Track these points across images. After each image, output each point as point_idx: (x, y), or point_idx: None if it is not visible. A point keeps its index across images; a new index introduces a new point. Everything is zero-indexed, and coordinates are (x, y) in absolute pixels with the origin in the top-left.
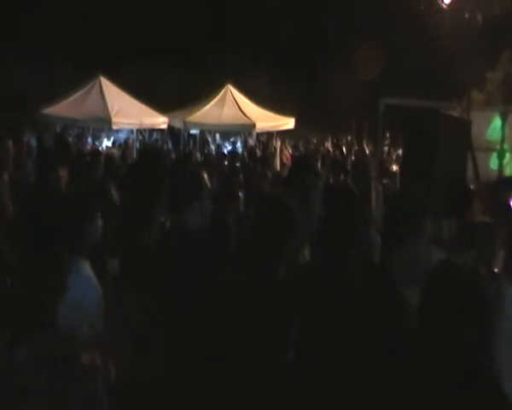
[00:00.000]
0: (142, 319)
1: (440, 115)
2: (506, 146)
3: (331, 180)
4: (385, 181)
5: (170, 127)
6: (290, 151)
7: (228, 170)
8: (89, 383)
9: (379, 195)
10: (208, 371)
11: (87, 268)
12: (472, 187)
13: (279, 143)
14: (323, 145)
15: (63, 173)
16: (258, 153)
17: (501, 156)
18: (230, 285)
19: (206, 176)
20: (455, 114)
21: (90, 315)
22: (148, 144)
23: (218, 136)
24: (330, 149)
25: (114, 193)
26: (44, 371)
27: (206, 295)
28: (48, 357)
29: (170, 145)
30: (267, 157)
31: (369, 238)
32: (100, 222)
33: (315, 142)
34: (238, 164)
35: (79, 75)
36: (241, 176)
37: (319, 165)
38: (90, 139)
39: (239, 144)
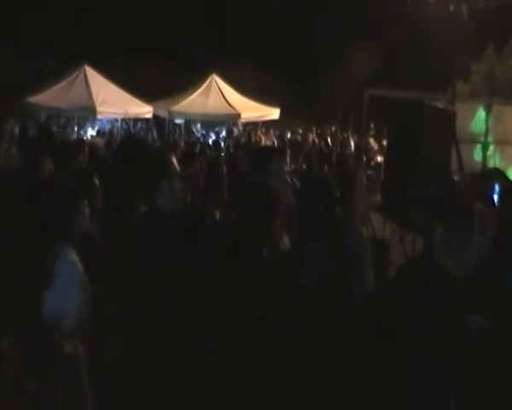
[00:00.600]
0: (127, 305)
1: (425, 107)
2: (490, 138)
3: (316, 171)
4: (369, 172)
5: (155, 117)
6: (274, 141)
7: (212, 158)
8: (72, 373)
9: (362, 187)
10: (193, 356)
11: (74, 256)
12: (456, 179)
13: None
14: (308, 136)
15: (48, 162)
16: (244, 142)
17: (485, 148)
18: (216, 272)
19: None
20: (439, 105)
21: (75, 303)
22: (131, 133)
23: (198, 126)
24: (315, 140)
25: (97, 181)
26: (29, 360)
27: (185, 280)
28: (32, 346)
29: (155, 135)
30: (252, 146)
31: (353, 233)
32: (87, 210)
33: (300, 132)
34: (223, 153)
35: (65, 65)
36: (226, 164)
37: (304, 156)
38: (74, 128)
39: (223, 134)
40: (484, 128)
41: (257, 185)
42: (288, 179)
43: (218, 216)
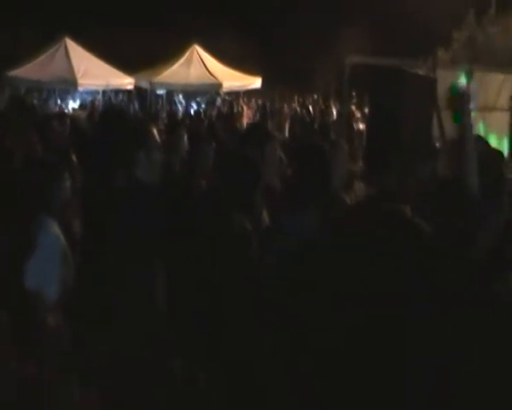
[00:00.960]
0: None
1: (406, 74)
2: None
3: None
4: (351, 140)
5: (136, 88)
6: (254, 110)
7: (194, 127)
8: (54, 344)
9: (344, 155)
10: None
11: (56, 228)
12: (437, 145)
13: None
14: (284, 105)
15: (29, 135)
16: (225, 112)
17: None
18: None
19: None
20: (420, 72)
21: (57, 274)
22: (112, 105)
23: (180, 96)
24: (297, 109)
25: (76, 154)
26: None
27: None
28: (14, 318)
29: (136, 106)
30: (234, 116)
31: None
32: (68, 182)
33: (283, 101)
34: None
35: (45, 38)
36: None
37: (287, 125)
38: (57, 101)
39: (204, 105)
40: None
41: (240, 157)
42: (279, 157)
43: (204, 186)
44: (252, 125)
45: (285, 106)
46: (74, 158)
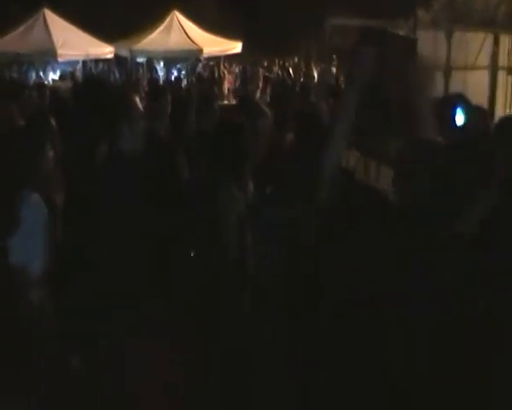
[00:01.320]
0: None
1: (387, 34)
2: (451, 65)
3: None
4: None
5: (116, 57)
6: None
7: (176, 93)
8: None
9: (325, 116)
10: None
11: (39, 201)
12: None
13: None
14: (272, 68)
15: (8, 107)
16: (207, 77)
17: (446, 75)
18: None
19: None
20: (401, 32)
21: (41, 249)
22: (92, 74)
23: (161, 63)
24: (279, 72)
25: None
26: None
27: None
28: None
29: (117, 75)
30: (216, 81)
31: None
32: (51, 153)
33: (265, 65)
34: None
35: (22, 9)
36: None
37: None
38: (39, 73)
39: (184, 72)
40: (445, 55)
41: (229, 124)
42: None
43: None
44: (242, 98)
45: (259, 70)
46: (55, 129)
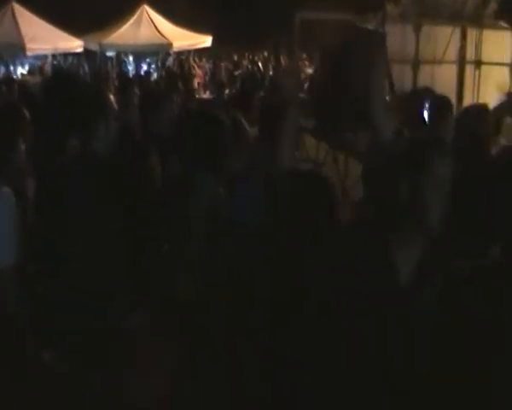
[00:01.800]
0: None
1: (355, 28)
2: (420, 59)
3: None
4: (302, 95)
5: (86, 50)
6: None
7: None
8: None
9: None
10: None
11: (9, 194)
12: (387, 99)
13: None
14: (221, 64)
15: None
16: (176, 72)
17: (415, 69)
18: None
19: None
20: (370, 27)
21: (14, 242)
22: (60, 68)
23: (131, 58)
24: (248, 66)
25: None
26: None
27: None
28: None
29: (86, 68)
30: (186, 76)
31: None
32: (22, 147)
33: (235, 59)
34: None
35: None
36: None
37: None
38: (3, 67)
39: (154, 66)
40: (414, 49)
41: (210, 116)
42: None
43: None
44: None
45: (221, 65)
46: (27, 121)
